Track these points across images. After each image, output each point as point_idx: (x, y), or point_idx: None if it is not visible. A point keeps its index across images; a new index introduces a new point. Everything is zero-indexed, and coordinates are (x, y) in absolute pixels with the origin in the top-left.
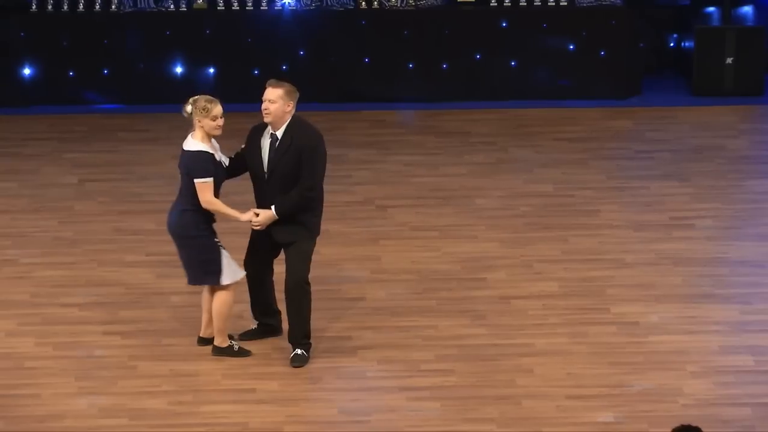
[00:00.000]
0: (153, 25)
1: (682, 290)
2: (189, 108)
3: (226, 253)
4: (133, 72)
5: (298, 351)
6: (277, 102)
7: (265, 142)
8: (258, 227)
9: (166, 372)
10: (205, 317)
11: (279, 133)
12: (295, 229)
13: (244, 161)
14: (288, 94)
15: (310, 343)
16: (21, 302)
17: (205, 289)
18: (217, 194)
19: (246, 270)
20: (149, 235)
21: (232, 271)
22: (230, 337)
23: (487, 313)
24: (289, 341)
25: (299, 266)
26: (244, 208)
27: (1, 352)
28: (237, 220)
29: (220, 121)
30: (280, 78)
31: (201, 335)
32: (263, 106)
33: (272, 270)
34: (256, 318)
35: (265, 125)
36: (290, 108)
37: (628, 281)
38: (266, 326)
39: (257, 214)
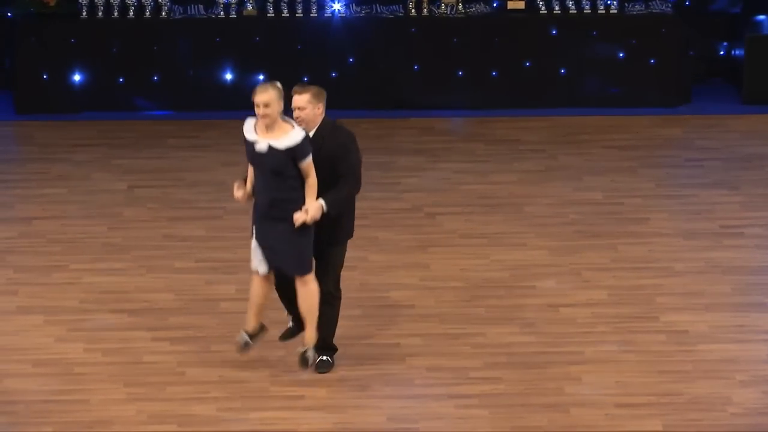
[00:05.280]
0: (203, 31)
1: (731, 299)
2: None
3: (253, 242)
4: (182, 78)
5: (323, 357)
6: (306, 108)
7: None
8: (310, 222)
9: (215, 378)
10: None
11: (311, 135)
12: (327, 234)
13: None
14: (315, 96)
15: (335, 348)
16: (70, 308)
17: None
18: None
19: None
20: (198, 242)
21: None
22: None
23: (536, 321)
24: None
25: (324, 278)
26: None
27: (51, 358)
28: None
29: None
30: (316, 84)
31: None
32: (294, 114)
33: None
34: (289, 312)
35: None
36: (320, 110)
37: (677, 289)
38: (299, 318)
39: (307, 211)
